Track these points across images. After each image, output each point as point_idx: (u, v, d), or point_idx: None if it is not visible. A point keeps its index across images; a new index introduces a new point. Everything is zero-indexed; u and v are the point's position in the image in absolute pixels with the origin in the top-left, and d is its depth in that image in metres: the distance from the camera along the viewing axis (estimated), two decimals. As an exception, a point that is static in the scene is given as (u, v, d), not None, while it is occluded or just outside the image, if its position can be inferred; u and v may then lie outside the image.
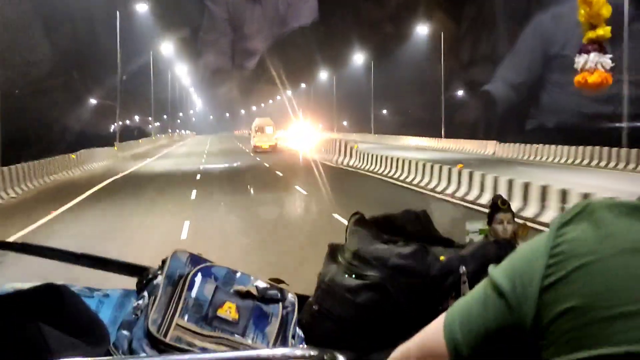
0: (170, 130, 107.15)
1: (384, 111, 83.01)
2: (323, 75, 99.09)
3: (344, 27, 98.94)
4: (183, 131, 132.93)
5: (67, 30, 55.24)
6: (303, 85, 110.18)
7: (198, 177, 25.52)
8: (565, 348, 0.75)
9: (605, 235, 0.78)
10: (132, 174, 29.25)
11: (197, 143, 76.47)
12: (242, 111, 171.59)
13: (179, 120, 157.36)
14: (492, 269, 0.87)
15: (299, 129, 62.48)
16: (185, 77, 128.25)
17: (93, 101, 63.79)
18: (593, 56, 6.25)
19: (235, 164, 34.10)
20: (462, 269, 1.59)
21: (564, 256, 0.79)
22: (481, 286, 0.88)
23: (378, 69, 73.88)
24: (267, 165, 32.10)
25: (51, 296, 1.45)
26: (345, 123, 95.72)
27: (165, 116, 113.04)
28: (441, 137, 52.72)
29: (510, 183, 14.89)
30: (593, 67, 6.23)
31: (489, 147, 42.59)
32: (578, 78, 6.36)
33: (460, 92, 65.47)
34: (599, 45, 6.34)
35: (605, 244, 0.77)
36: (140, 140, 62.11)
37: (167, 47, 74.82)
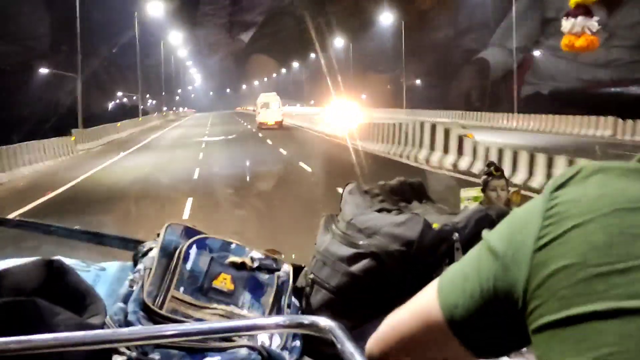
0: (165, 108, 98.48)
1: (418, 81, 76.28)
2: (332, 46, 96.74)
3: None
4: (181, 109, 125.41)
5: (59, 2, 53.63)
6: (312, 55, 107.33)
7: (188, 206, 13.84)
8: (555, 306, 0.75)
9: (600, 196, 0.78)
10: (63, 198, 16.47)
11: (195, 123, 64.18)
12: (244, 86, 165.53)
13: (177, 97, 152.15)
14: (485, 232, 0.88)
15: (337, 106, 48.89)
16: (182, 49, 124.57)
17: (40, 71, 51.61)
18: (580, 20, 6.25)
19: (251, 162, 22.12)
20: (456, 235, 1.60)
21: (558, 217, 0.79)
22: (475, 249, 0.88)
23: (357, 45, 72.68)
24: (310, 169, 19.99)
25: (47, 270, 1.46)
26: (364, 97, 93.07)
27: (163, 93, 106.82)
28: (505, 112, 43.04)
29: None
30: (580, 30, 6.23)
31: (604, 127, 31.82)
32: (565, 41, 6.39)
33: (537, 53, 58.96)
34: (586, 9, 6.32)
35: (600, 204, 0.77)
36: (118, 124, 47.58)
37: (159, 11, 69.67)
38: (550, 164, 15.24)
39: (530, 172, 15.86)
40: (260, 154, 26.53)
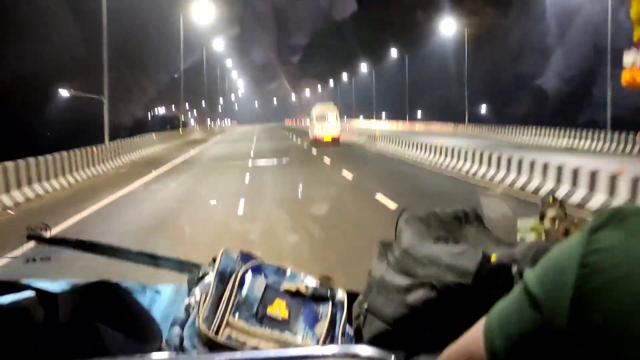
0: (192, 121, 79.38)
1: (483, 108, 72.87)
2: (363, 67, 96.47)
3: (381, 16, 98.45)
4: (221, 122, 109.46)
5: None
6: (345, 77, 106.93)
7: None
8: (596, 356, 0.75)
9: (637, 246, 0.78)
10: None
11: (229, 151, 38.85)
12: (293, 96, 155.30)
13: (220, 108, 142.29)
14: (527, 273, 0.88)
15: None
16: (232, 70, 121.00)
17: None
18: None
19: None
20: (514, 269, 1.56)
21: (595, 267, 0.79)
22: (517, 291, 0.89)
23: (412, 61, 72.37)
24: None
25: (105, 293, 1.47)
26: (383, 114, 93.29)
27: (203, 102, 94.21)
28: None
29: None
30: None
31: None
32: (626, 77, 6.15)
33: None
34: None
35: (636, 256, 0.77)
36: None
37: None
38: (613, 184, 14.69)
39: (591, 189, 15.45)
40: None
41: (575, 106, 56.00)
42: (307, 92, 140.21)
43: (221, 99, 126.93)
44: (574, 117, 53.80)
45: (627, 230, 0.80)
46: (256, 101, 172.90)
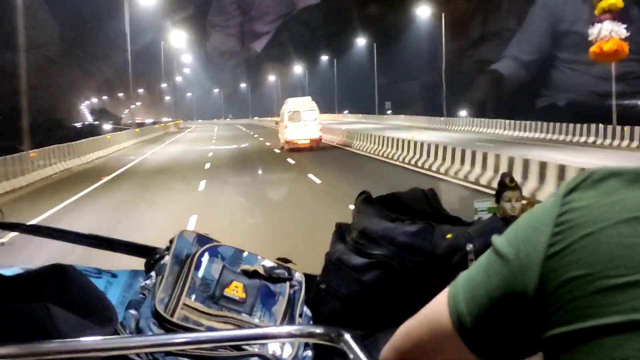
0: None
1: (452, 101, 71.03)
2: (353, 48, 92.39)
3: (347, 6, 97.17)
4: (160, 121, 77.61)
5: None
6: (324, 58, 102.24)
7: None
8: (568, 317, 0.74)
9: (612, 203, 0.76)
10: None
11: None
12: (271, 77, 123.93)
13: (168, 98, 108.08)
14: (495, 237, 0.86)
15: None
16: (187, 54, 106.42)
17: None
18: (607, 24, 6.31)
19: None
20: (469, 246, 1.59)
21: (570, 224, 0.77)
22: (485, 255, 0.87)
23: (380, 50, 71.82)
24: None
25: (58, 276, 1.45)
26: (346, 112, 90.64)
27: (141, 90, 77.16)
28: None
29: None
30: (607, 35, 6.29)
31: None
32: (593, 48, 6.42)
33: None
34: (612, 15, 6.45)
35: (612, 212, 0.76)
36: None
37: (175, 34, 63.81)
38: (562, 175, 14.78)
39: (541, 182, 15.73)
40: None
41: (533, 90, 56.68)
42: (298, 69, 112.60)
43: (164, 84, 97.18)
44: (533, 101, 54.42)
45: (601, 190, 0.78)
46: (217, 90, 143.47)
